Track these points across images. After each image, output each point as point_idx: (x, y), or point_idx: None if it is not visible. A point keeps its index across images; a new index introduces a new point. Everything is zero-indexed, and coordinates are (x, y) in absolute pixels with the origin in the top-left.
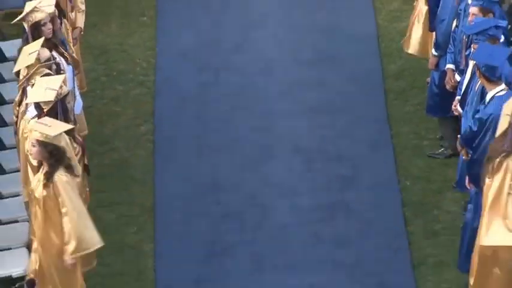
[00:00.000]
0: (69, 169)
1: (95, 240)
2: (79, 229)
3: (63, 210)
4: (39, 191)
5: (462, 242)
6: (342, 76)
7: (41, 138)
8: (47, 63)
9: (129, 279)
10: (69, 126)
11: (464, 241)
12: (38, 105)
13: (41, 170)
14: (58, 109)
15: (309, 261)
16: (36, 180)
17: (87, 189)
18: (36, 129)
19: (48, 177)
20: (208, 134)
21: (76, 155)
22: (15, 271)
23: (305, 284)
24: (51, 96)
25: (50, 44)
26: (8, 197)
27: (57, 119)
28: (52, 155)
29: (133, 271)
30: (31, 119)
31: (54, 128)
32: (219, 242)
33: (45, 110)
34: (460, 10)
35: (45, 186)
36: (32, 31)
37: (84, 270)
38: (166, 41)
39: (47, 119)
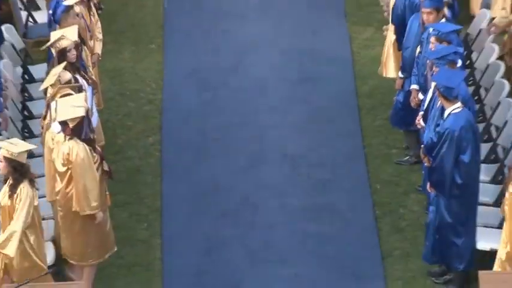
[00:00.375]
0: (32, 183)
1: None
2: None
3: (14, 217)
4: (4, 201)
5: (426, 238)
6: (323, 94)
7: (7, 155)
8: (72, 84)
9: (140, 269)
10: (31, 146)
11: (429, 237)
12: (63, 122)
13: (7, 182)
14: (84, 122)
15: (295, 255)
16: (3, 191)
17: (107, 192)
18: (3, 146)
19: (12, 190)
20: (208, 144)
21: (95, 162)
22: None
23: (292, 274)
24: (81, 112)
25: (73, 68)
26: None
27: (83, 131)
28: (16, 170)
29: (144, 262)
30: (57, 133)
31: (19, 146)
32: (217, 237)
33: (71, 126)
34: (423, 39)
35: (10, 197)
36: (59, 56)
37: (99, 261)
38: (171, 65)
39: (14, 139)
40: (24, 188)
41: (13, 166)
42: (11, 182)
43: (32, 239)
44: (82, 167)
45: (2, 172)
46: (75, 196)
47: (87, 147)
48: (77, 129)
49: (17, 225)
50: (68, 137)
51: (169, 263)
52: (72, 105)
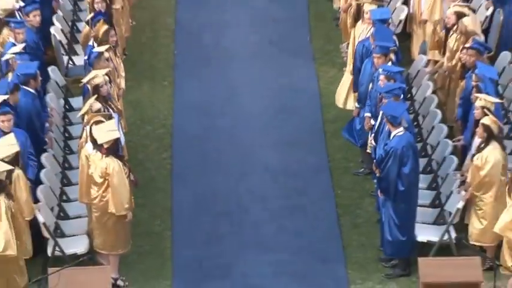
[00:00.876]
0: (9, 195)
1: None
2: None
3: None
4: None
5: (382, 234)
6: (296, 121)
7: None
8: (102, 113)
9: (155, 256)
10: (8, 167)
11: (384, 233)
12: (97, 144)
13: None
14: (119, 143)
15: (276, 245)
16: None
17: (132, 197)
18: None
19: None
20: (208, 160)
21: (125, 174)
22: (79, 250)
23: (274, 260)
24: (116, 135)
25: (103, 99)
26: (74, 201)
27: (118, 151)
28: None
29: (158, 250)
30: (91, 152)
31: None
32: (215, 231)
33: (106, 146)
34: (374, 77)
35: None
36: (93, 91)
37: (124, 251)
38: (179, 98)
39: None
40: (1, 201)
41: None
42: None
43: None
44: (118, 178)
45: None
46: (112, 201)
47: (120, 162)
48: (112, 149)
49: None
50: (104, 155)
51: (178, 252)
52: (108, 130)
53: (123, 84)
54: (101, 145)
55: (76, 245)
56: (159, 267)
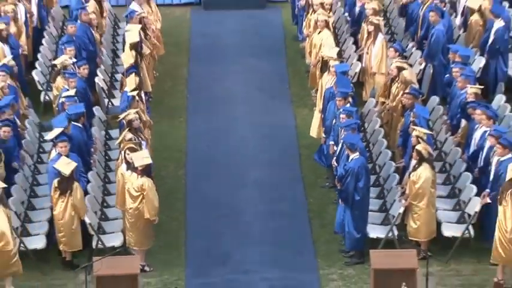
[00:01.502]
0: (5, 206)
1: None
2: None
3: None
4: None
5: (344, 232)
6: (278, 147)
7: None
8: (133, 141)
9: (172, 248)
10: (2, 185)
11: (344, 231)
12: (133, 167)
13: None
14: (150, 166)
15: (262, 240)
16: None
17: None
18: None
19: None
20: (213, 175)
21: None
22: (116, 243)
23: (260, 251)
24: (149, 161)
25: (135, 131)
26: (112, 207)
27: (150, 172)
28: None
29: (174, 244)
30: (126, 172)
31: None
32: (218, 229)
33: (140, 169)
34: (337, 115)
35: None
36: (127, 124)
37: (149, 247)
38: (191, 130)
39: None
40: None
41: None
42: None
43: None
44: (151, 192)
45: None
46: (146, 209)
47: (151, 180)
48: (145, 170)
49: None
50: (139, 175)
51: (190, 244)
52: (143, 157)
53: (148, 120)
54: (137, 168)
55: (114, 240)
56: (176, 256)
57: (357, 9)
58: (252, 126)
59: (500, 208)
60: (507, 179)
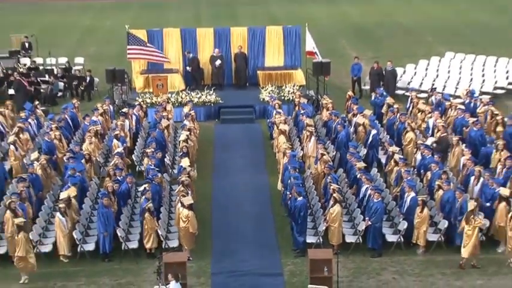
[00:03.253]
0: (13, 212)
1: None
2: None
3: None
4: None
5: (294, 231)
6: (259, 195)
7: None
8: (185, 190)
9: (203, 247)
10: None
11: (294, 236)
12: (183, 205)
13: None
14: (192, 205)
15: (246, 234)
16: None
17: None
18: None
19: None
20: (224, 203)
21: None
22: (175, 245)
23: (245, 243)
24: (191, 201)
25: (186, 186)
26: (173, 226)
27: (192, 207)
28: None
29: (204, 245)
30: (181, 208)
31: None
32: (227, 221)
33: (187, 206)
34: (290, 177)
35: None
36: (181, 182)
37: (193, 247)
38: (216, 185)
39: None
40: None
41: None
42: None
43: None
44: (193, 218)
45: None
46: (191, 227)
47: (193, 212)
48: (190, 207)
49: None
50: (187, 209)
51: (215, 239)
52: (189, 200)
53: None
54: (185, 205)
55: (174, 243)
56: (205, 252)
57: (300, 124)
58: (246, 184)
59: (466, 227)
60: (469, 209)
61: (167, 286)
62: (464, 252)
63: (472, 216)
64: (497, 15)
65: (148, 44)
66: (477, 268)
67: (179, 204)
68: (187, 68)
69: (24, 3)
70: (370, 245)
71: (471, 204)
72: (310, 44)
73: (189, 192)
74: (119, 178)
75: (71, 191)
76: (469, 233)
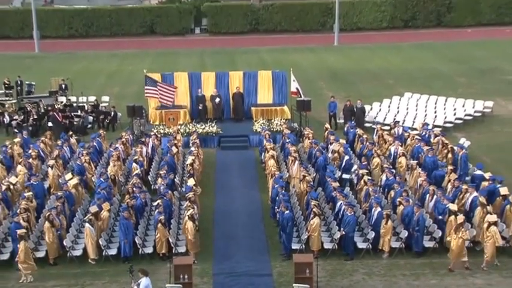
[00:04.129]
0: (51, 223)
1: None
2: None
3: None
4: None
5: (282, 238)
6: (251, 209)
7: None
8: (190, 206)
9: (206, 247)
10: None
11: (283, 243)
12: (189, 218)
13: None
14: (196, 217)
15: (243, 240)
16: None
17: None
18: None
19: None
20: (225, 220)
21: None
22: (183, 250)
23: (242, 244)
24: (197, 214)
25: (192, 202)
26: (181, 234)
27: (195, 220)
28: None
29: (207, 250)
30: (187, 220)
31: None
32: (227, 228)
33: (190, 217)
34: (279, 194)
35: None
36: (188, 199)
37: (199, 250)
38: (217, 201)
39: None
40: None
41: None
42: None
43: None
44: (196, 237)
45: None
46: (194, 235)
47: (196, 223)
48: (193, 218)
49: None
50: (191, 221)
51: (216, 239)
52: (193, 213)
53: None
54: (189, 217)
55: (182, 248)
56: (207, 255)
57: (286, 150)
58: (241, 199)
59: (454, 236)
60: (458, 222)
61: (139, 282)
62: (451, 256)
63: (460, 227)
64: (446, 63)
65: (161, 83)
66: (469, 270)
67: (186, 218)
68: (200, 106)
69: (62, 53)
70: (344, 250)
71: (460, 218)
72: (294, 86)
73: (195, 206)
74: (136, 195)
75: (105, 206)
76: (456, 241)
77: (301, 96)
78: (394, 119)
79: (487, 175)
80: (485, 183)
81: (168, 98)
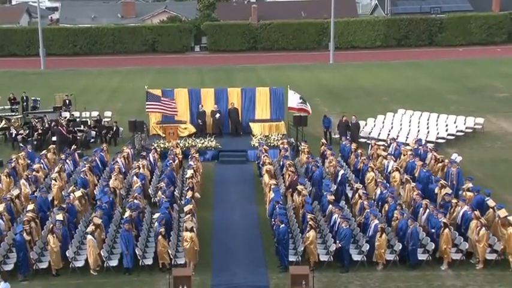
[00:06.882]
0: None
1: None
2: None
3: None
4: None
5: (278, 251)
6: (249, 220)
7: None
8: (189, 219)
9: (204, 258)
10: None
11: (280, 254)
12: (188, 229)
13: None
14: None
15: (243, 244)
16: None
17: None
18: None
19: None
20: (222, 229)
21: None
22: (182, 262)
23: (240, 256)
24: (196, 226)
25: (192, 215)
26: (180, 247)
27: (194, 230)
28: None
29: (205, 237)
30: (186, 232)
31: None
32: (225, 238)
33: (189, 229)
34: (275, 208)
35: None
36: (188, 212)
37: (197, 261)
38: (216, 214)
39: None
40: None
41: None
42: None
43: None
44: (196, 239)
45: None
46: (194, 245)
47: (195, 234)
48: (192, 229)
49: None
50: (190, 232)
51: (215, 239)
52: (192, 225)
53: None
54: (188, 229)
55: (181, 260)
56: (206, 267)
57: (281, 163)
58: (239, 212)
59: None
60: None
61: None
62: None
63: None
64: (437, 81)
65: (163, 98)
66: None
67: (184, 229)
68: (199, 121)
69: (66, 70)
70: (339, 262)
71: (502, 212)
72: (292, 101)
73: (194, 218)
74: (135, 205)
75: (95, 220)
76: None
77: (308, 109)
78: (388, 135)
79: (466, 186)
80: (470, 194)
81: (172, 110)
